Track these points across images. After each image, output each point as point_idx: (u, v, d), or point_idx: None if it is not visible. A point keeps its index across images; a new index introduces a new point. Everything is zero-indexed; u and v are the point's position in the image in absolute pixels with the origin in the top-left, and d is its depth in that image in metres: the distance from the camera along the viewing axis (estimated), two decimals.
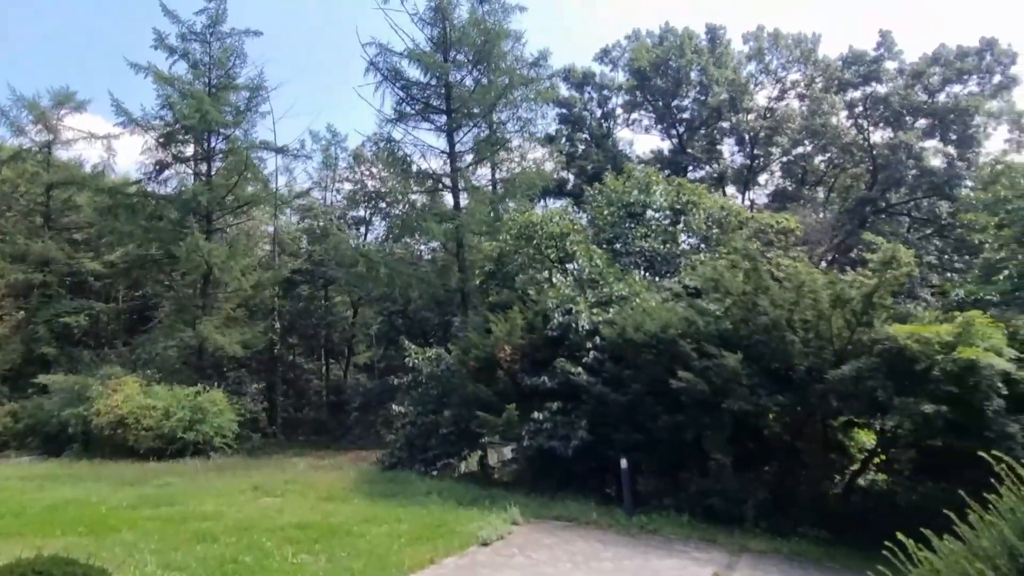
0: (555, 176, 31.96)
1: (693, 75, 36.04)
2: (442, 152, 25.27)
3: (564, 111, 37.92)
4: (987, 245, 17.51)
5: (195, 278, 28.07)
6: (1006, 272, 15.90)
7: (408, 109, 25.48)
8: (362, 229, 36.93)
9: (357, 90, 24.20)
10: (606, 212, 19.62)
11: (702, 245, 19.57)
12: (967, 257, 26.63)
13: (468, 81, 25.14)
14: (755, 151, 37.09)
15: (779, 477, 13.44)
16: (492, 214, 23.77)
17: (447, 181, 25.13)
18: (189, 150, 29.34)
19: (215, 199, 27.11)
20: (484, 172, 28.44)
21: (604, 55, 39.71)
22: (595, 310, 15.26)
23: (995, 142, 31.28)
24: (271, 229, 35.62)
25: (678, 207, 19.03)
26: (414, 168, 25.21)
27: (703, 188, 21.28)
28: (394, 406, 20.56)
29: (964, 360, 10.54)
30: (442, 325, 29.43)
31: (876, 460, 13.47)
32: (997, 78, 31.32)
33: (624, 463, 13.16)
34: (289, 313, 33.68)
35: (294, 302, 34.51)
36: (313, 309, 35.37)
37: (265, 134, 34.24)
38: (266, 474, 17.80)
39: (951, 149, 31.63)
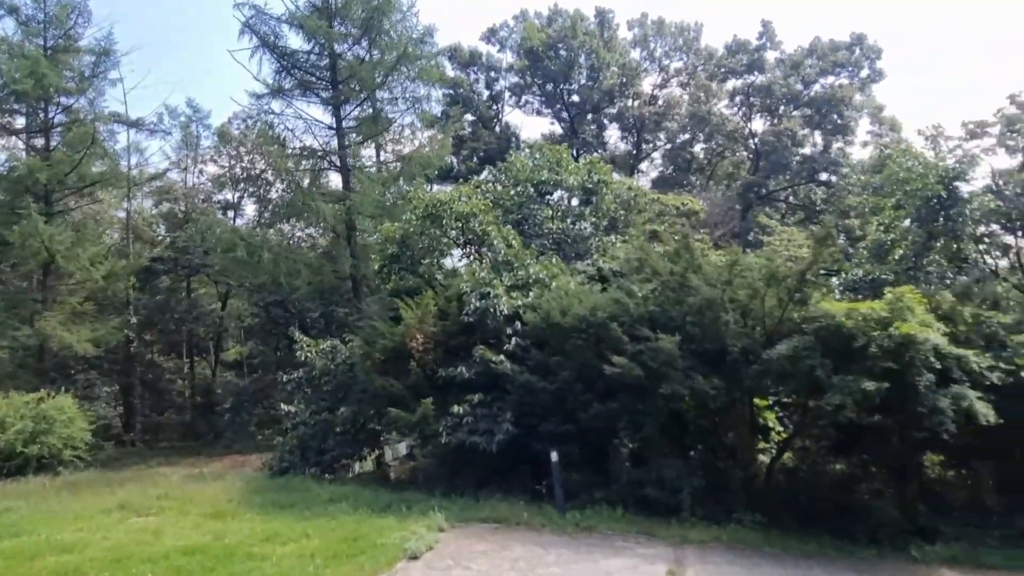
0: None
1: (582, 59, 35.86)
2: (328, 128, 23.31)
3: (450, 92, 36.61)
4: (876, 226, 18.13)
5: (32, 268, 24.40)
6: (900, 252, 16.47)
7: (288, 80, 23.28)
8: (230, 213, 33.89)
9: (233, 54, 21.52)
10: (512, 192, 18.66)
11: (609, 227, 19.09)
12: (842, 240, 28.19)
13: (351, 56, 23.28)
14: (642, 137, 37.59)
15: (709, 462, 13.07)
16: (387, 195, 22.18)
17: (335, 161, 23.19)
18: (21, 121, 25.46)
19: (55, 177, 23.54)
20: (373, 153, 26.69)
21: (491, 35, 38.73)
22: (513, 294, 14.25)
23: (859, 134, 33.29)
24: (122, 214, 31.93)
25: (589, 186, 18.41)
26: (296, 145, 23.08)
27: (609, 168, 20.84)
28: (283, 405, 18.64)
29: (900, 335, 10.45)
30: (325, 316, 27.49)
31: (802, 440, 13.41)
32: (865, 72, 33.50)
33: (554, 456, 12.27)
34: (146, 307, 30.34)
35: (152, 294, 31.14)
36: (175, 302, 32.10)
37: (115, 106, 30.60)
38: (132, 489, 15.33)
39: (819, 137, 33.44)
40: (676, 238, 13.24)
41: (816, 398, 11.34)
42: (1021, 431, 11.29)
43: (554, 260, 15.74)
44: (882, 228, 17.86)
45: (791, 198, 35.22)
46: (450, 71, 37.59)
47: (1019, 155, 15.25)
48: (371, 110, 24.04)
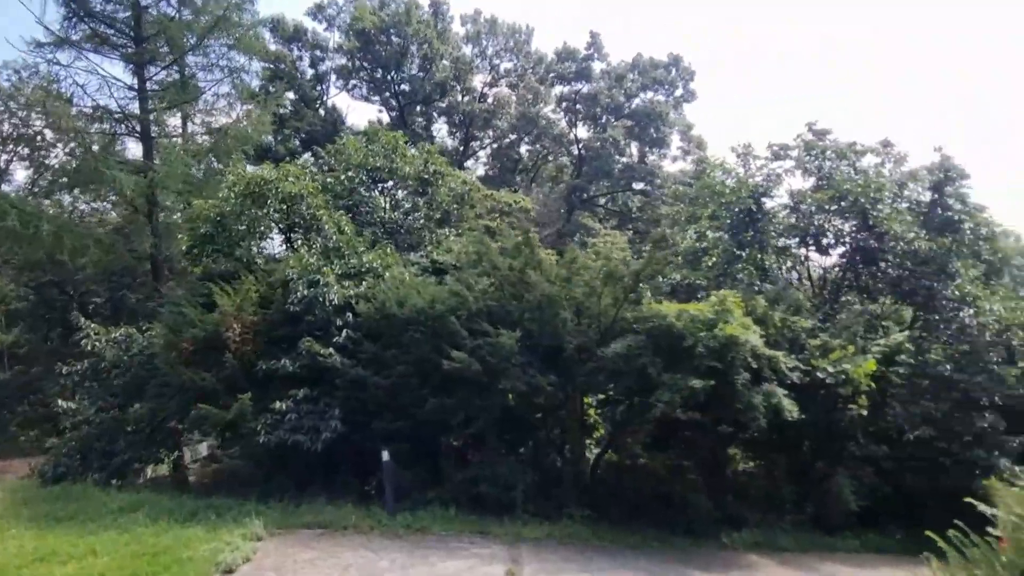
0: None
1: (414, 48, 35.09)
2: (129, 89, 20.52)
3: (272, 66, 34.12)
4: (691, 235, 19.43)
5: None
6: (712, 260, 17.75)
7: (80, 30, 20.18)
8: None
9: None
10: (343, 176, 17.61)
11: (442, 219, 18.68)
12: (646, 246, 30.05)
13: (159, 11, 20.71)
14: (471, 134, 37.62)
15: (541, 459, 13.15)
16: (197, 169, 19.97)
17: (135, 127, 20.46)
18: None
19: None
20: (180, 123, 23.94)
21: (318, 11, 36.59)
22: (345, 283, 13.36)
23: (672, 149, 35.92)
24: None
25: (425, 177, 17.85)
26: (88, 104, 20.05)
27: (446, 161, 20.42)
28: (60, 401, 16.05)
29: (725, 336, 11.14)
30: (114, 301, 24.38)
31: (626, 437, 13.93)
32: (679, 91, 36.16)
33: (386, 455, 11.64)
34: None
35: None
36: None
37: None
38: None
39: (635, 149, 35.60)
40: (516, 234, 13.13)
41: (644, 396, 11.76)
42: (810, 426, 12.58)
43: (389, 250, 15.04)
44: (695, 237, 19.11)
45: (610, 204, 37.16)
46: (272, 45, 35.05)
47: (813, 177, 17.03)
48: (180, 75, 21.55)
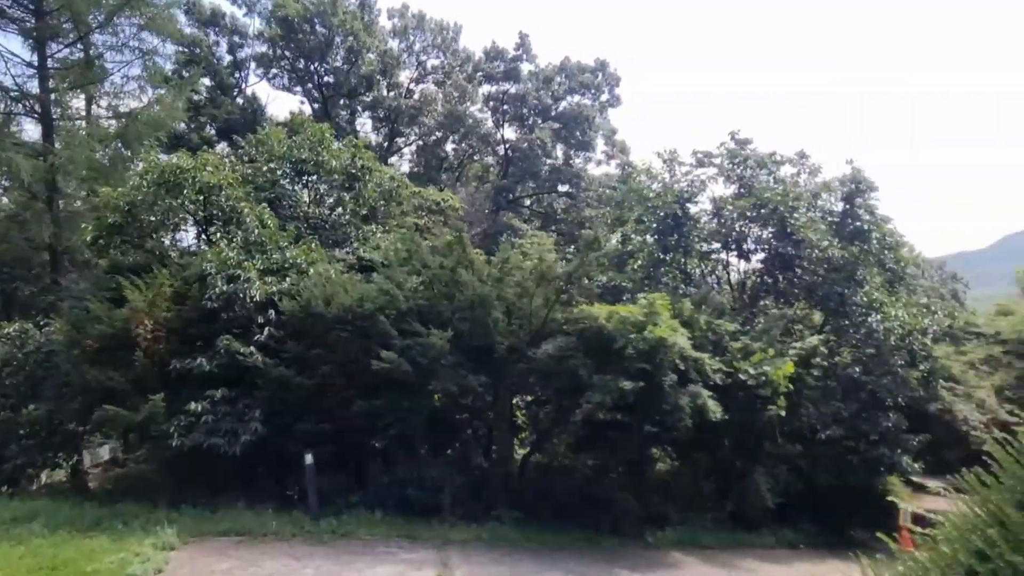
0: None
1: (339, 39, 34.09)
2: (28, 66, 19.04)
3: (187, 51, 32.43)
4: (616, 237, 19.68)
5: None
6: (639, 262, 18.05)
7: None
8: None
9: None
10: (265, 168, 16.88)
11: (369, 216, 18.19)
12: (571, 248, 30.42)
13: None
14: (396, 129, 36.96)
15: (468, 461, 13.00)
16: (103, 155, 18.73)
17: (35, 107, 18.99)
18: None
19: None
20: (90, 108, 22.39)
21: None
22: (268, 279, 12.79)
23: (596, 153, 36.36)
24: None
25: (353, 172, 17.32)
26: None
27: (374, 155, 19.90)
28: None
29: (654, 338, 11.30)
30: (4, 293, 22.60)
31: (553, 439, 13.94)
32: (605, 96, 36.65)
33: (309, 458, 11.23)
34: None
35: None
36: None
37: None
38: None
39: (560, 151, 35.81)
40: (448, 232, 12.94)
41: (574, 397, 11.78)
42: (731, 426, 12.93)
43: (314, 245, 14.51)
44: (621, 240, 19.37)
45: (535, 205, 37.33)
46: (187, 28, 33.34)
47: (735, 185, 17.57)
48: (84, 54, 20.16)
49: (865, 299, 16.15)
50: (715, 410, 11.66)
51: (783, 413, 13.07)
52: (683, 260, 17.51)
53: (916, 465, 15.26)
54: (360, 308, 11.79)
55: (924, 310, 16.59)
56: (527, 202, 36.92)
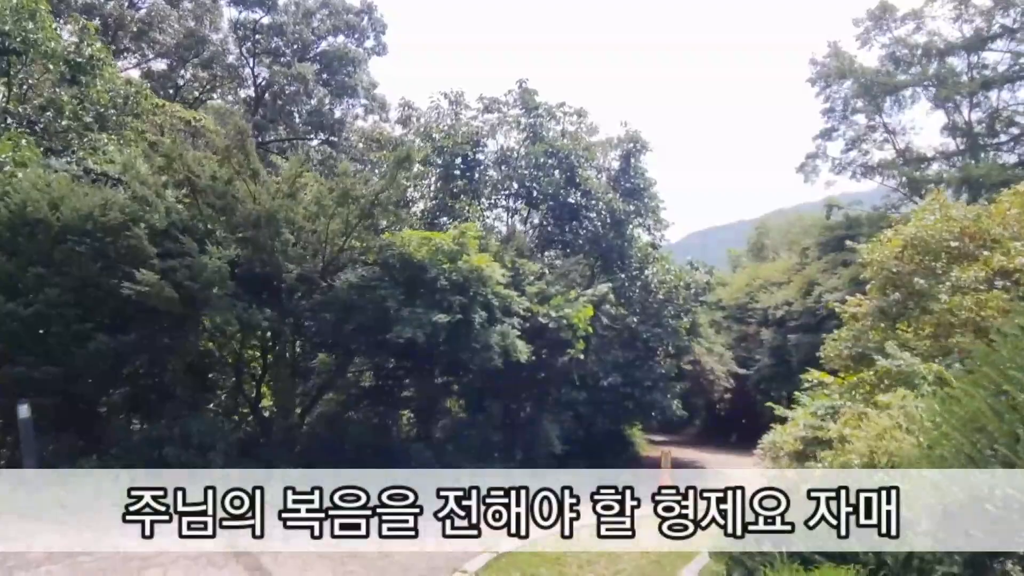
0: None
1: None
2: None
3: None
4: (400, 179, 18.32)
5: None
6: (423, 205, 17.00)
7: None
8: None
9: None
10: None
11: (96, 123, 14.54)
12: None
13: None
14: (121, 45, 30.80)
15: (243, 412, 10.93)
16: None
17: None
18: None
19: None
20: None
21: None
22: None
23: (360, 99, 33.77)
24: None
25: (79, 61, 13.59)
26: None
27: (108, 47, 15.96)
28: None
29: (469, 267, 10.40)
30: None
31: (345, 385, 12.36)
32: (371, 42, 34.22)
33: (24, 411, 8.41)
34: None
35: None
36: None
37: None
38: None
39: (324, 94, 32.81)
40: (224, 134, 10.68)
41: (381, 333, 10.34)
42: (522, 371, 12.49)
43: (24, 143, 11.07)
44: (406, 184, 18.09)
45: (289, 152, 33.84)
46: None
47: (524, 133, 17.24)
48: None
49: (640, 254, 16.89)
50: (523, 351, 11.13)
51: (582, 356, 13.00)
52: (470, 207, 16.79)
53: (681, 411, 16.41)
54: (104, 217, 9.08)
55: (688, 267, 17.87)
56: (286, 144, 33.33)
